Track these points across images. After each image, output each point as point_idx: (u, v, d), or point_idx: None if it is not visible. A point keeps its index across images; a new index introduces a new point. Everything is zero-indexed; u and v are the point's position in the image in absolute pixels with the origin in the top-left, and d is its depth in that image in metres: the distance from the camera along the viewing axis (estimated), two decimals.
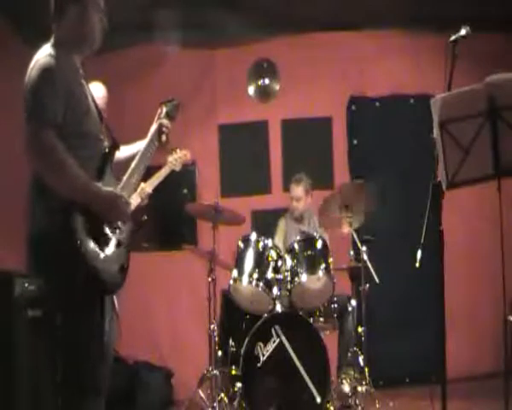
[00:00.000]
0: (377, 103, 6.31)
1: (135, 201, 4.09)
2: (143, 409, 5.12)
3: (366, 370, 4.76)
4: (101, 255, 2.49)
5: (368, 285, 4.86)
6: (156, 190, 4.35)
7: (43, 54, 2.54)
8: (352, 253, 5.10)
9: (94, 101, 2.72)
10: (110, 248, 2.55)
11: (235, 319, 4.73)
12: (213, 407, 4.48)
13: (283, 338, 4.30)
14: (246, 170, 6.30)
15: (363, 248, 4.86)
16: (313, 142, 6.29)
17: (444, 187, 2.79)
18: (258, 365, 4.27)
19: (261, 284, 4.46)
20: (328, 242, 4.79)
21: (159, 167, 4.41)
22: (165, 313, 6.12)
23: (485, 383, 5.50)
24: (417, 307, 5.73)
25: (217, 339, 4.67)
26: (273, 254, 4.62)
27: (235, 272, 4.53)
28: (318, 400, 4.23)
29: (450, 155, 2.74)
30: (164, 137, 2.94)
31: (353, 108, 6.33)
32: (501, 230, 3.12)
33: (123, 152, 2.85)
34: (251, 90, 6.39)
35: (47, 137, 2.41)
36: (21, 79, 2.57)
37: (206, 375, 4.67)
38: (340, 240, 5.25)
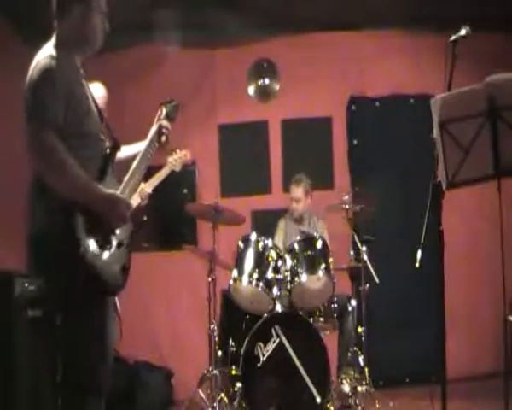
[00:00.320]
0: (377, 103, 6.31)
1: (135, 201, 4.10)
2: (143, 409, 5.12)
3: (366, 370, 4.76)
4: (102, 256, 2.49)
5: (368, 285, 4.87)
6: (156, 190, 4.35)
7: (45, 55, 2.54)
8: (351, 253, 5.11)
9: (94, 101, 2.72)
10: (111, 249, 2.55)
11: (235, 319, 4.73)
12: (213, 407, 4.48)
13: (283, 338, 4.30)
14: (246, 170, 6.30)
15: (363, 248, 4.87)
16: (313, 142, 6.29)
17: (444, 187, 2.79)
18: (258, 365, 4.27)
19: (261, 284, 4.46)
20: (328, 242, 4.79)
21: (159, 168, 4.42)
22: (165, 313, 6.12)
23: (485, 383, 5.51)
24: (417, 307, 5.73)
25: (217, 339, 4.67)
26: (273, 254, 4.62)
27: (235, 272, 4.53)
28: (318, 400, 4.23)
29: (450, 155, 2.74)
30: (164, 138, 2.95)
31: (353, 108, 6.33)
32: (501, 230, 3.12)
33: (123, 152, 2.85)
34: (251, 90, 6.39)
35: (47, 138, 2.41)
36: (21, 79, 2.57)
37: (206, 375, 4.67)
38: (340, 240, 5.25)
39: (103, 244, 2.51)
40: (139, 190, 4.07)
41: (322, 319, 4.72)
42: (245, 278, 4.47)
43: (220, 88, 6.36)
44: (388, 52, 6.26)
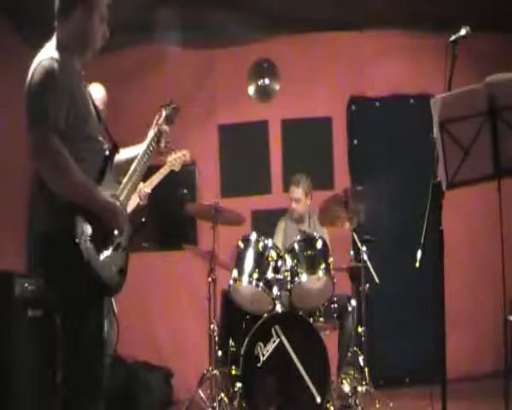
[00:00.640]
0: (377, 103, 6.31)
1: (134, 201, 4.11)
2: (143, 409, 5.12)
3: (366, 370, 4.76)
4: (100, 257, 2.50)
5: (368, 285, 4.86)
6: (156, 190, 4.35)
7: (46, 56, 2.53)
8: (351, 253, 5.10)
9: (93, 103, 2.72)
10: (108, 251, 2.55)
11: (235, 319, 4.73)
12: (213, 407, 4.48)
13: (283, 338, 4.30)
14: (246, 170, 6.30)
15: (363, 248, 4.87)
16: (313, 142, 6.29)
17: (444, 187, 2.79)
18: (258, 365, 4.27)
19: (261, 284, 4.46)
20: (328, 242, 4.79)
21: (158, 167, 4.42)
22: (165, 313, 6.11)
23: (485, 383, 5.51)
24: (417, 307, 5.73)
25: (217, 339, 4.67)
26: (273, 254, 4.62)
27: (235, 272, 4.53)
28: (318, 400, 4.22)
29: (450, 155, 2.74)
30: (163, 143, 2.96)
31: (353, 108, 6.33)
32: (501, 230, 3.11)
33: (122, 155, 2.87)
34: (251, 90, 6.39)
35: (52, 143, 2.42)
36: (21, 79, 2.57)
37: (206, 375, 4.67)
38: (340, 240, 5.25)
39: (101, 246, 2.51)
40: (138, 190, 4.07)
41: (322, 319, 4.71)
42: (245, 278, 4.47)
43: (220, 88, 6.36)
44: (388, 52, 6.27)
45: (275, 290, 4.52)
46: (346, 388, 4.72)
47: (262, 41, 6.25)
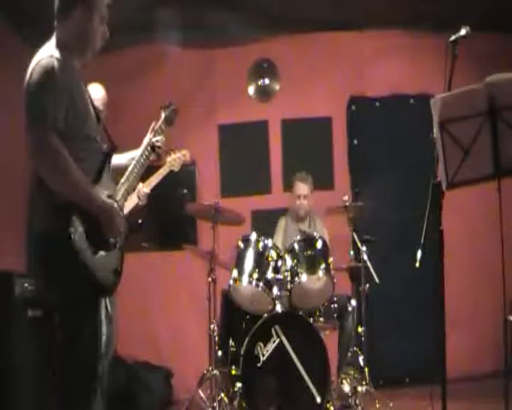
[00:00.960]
0: (377, 103, 6.31)
1: (133, 201, 4.11)
2: (143, 409, 5.12)
3: (366, 370, 4.76)
4: (96, 257, 2.50)
5: (368, 285, 4.87)
6: (156, 190, 4.35)
7: (46, 54, 2.53)
8: (351, 253, 5.10)
9: (92, 103, 2.73)
10: (104, 251, 2.56)
11: (235, 319, 4.73)
12: (213, 407, 4.48)
13: (283, 338, 4.30)
14: (246, 170, 6.30)
15: (363, 248, 4.87)
16: (313, 142, 6.29)
17: (444, 187, 2.79)
18: (258, 365, 4.27)
19: (261, 284, 4.46)
20: (328, 242, 4.79)
21: (157, 168, 4.41)
22: (165, 313, 6.11)
23: (485, 383, 5.50)
24: (417, 307, 5.72)
25: (217, 339, 4.67)
26: (273, 254, 4.62)
27: (235, 272, 4.53)
28: (318, 400, 4.22)
29: (450, 155, 2.74)
30: (159, 152, 3.01)
31: (353, 108, 6.33)
32: (501, 230, 3.11)
33: (119, 159, 2.90)
34: (251, 90, 6.39)
35: (51, 142, 2.42)
36: (21, 79, 2.56)
37: (206, 375, 4.67)
38: (340, 240, 5.25)
39: (97, 246, 2.52)
40: (136, 190, 4.07)
41: (322, 319, 4.71)
42: (245, 278, 4.47)
43: (220, 88, 6.36)
44: (388, 52, 6.26)
45: (275, 290, 4.52)
46: (346, 388, 4.72)
47: (262, 41, 6.25)
